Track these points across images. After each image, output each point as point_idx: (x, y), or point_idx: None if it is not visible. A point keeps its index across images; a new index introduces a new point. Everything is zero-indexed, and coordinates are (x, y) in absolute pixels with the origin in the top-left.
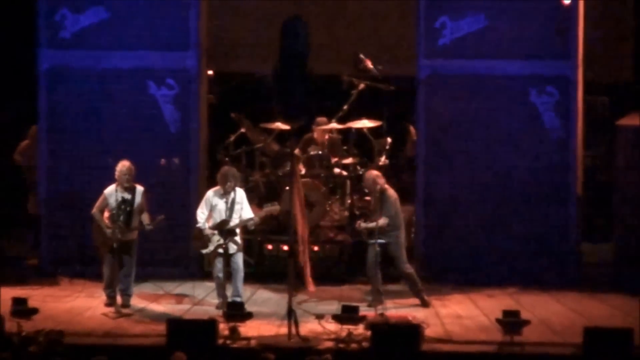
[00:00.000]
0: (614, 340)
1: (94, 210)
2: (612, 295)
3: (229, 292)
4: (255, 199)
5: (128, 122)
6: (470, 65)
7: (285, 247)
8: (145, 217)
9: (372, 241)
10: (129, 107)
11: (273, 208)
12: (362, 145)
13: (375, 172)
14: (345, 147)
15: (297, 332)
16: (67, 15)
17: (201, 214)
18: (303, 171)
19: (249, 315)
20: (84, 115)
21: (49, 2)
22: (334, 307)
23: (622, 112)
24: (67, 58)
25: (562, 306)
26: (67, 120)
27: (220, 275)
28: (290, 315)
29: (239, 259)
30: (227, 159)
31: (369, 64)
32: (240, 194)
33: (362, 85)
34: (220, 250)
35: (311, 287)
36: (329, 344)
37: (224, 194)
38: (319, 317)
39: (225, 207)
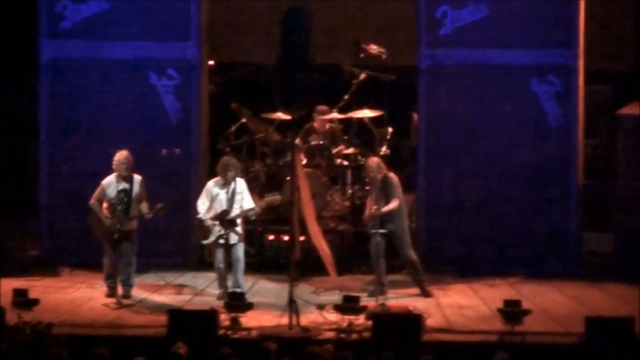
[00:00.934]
0: (615, 329)
1: (92, 201)
2: (613, 284)
3: (229, 282)
4: (257, 189)
5: (129, 112)
6: (471, 54)
7: (286, 238)
8: (144, 206)
9: (374, 231)
10: (130, 97)
11: (274, 198)
12: (363, 135)
13: (377, 159)
14: (346, 137)
15: (298, 322)
16: (68, 6)
17: (202, 204)
18: (304, 161)
19: (249, 306)
20: (84, 106)
21: None
22: (335, 297)
23: (623, 101)
24: (68, 48)
25: (563, 295)
26: (67, 110)
27: (221, 265)
28: (291, 305)
29: (240, 250)
30: (227, 149)
31: (373, 48)
32: (240, 184)
33: (363, 75)
34: (221, 241)
35: (333, 274)
36: (330, 334)
37: (225, 184)
38: (320, 307)
39: (226, 197)
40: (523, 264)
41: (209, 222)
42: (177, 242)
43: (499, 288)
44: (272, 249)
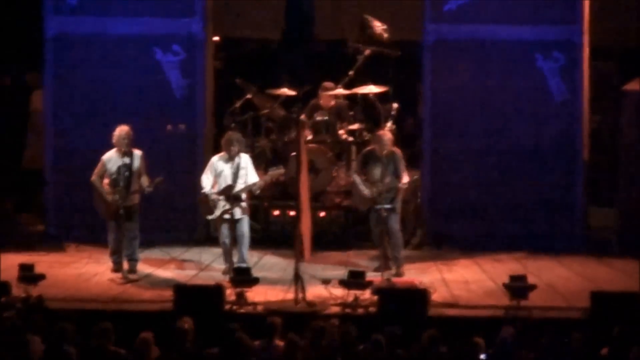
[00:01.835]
0: (620, 304)
1: (93, 177)
2: (618, 260)
3: (235, 257)
4: (262, 165)
5: (134, 88)
6: (476, 30)
7: (292, 213)
8: (145, 180)
9: (380, 206)
10: (135, 73)
11: (278, 172)
12: (368, 111)
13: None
14: (351, 113)
15: (304, 297)
16: None
17: (206, 179)
18: (309, 137)
19: (255, 281)
20: (89, 82)
21: None
22: (341, 272)
23: (628, 77)
24: (72, 25)
25: (568, 270)
26: (72, 87)
27: (227, 240)
28: (297, 280)
29: (245, 225)
30: (233, 124)
31: (377, 26)
32: (245, 159)
33: (367, 51)
34: (226, 216)
35: (307, 256)
36: (336, 309)
37: (229, 159)
38: (326, 282)
39: (231, 172)
40: (528, 239)
41: (214, 197)
42: (182, 217)
43: (505, 263)
44: (278, 224)
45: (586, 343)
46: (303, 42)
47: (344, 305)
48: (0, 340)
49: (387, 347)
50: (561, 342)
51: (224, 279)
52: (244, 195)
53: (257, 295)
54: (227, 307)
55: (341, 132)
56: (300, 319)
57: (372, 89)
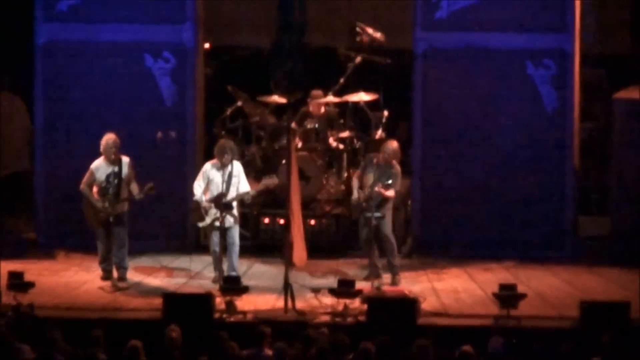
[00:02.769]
0: (610, 313)
1: (82, 186)
2: (609, 269)
3: (225, 265)
4: (252, 173)
5: (124, 95)
6: (467, 38)
7: (282, 221)
8: (134, 187)
9: (370, 214)
10: (125, 80)
11: (271, 181)
12: (358, 119)
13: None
14: (342, 121)
15: (294, 305)
16: None
17: (198, 186)
18: (299, 144)
19: (245, 289)
20: (80, 88)
21: None
22: (331, 280)
23: (619, 85)
24: (63, 31)
25: (558, 280)
26: (63, 93)
27: (217, 249)
28: (287, 288)
29: (235, 233)
30: (223, 132)
31: (370, 32)
32: (237, 167)
33: (358, 59)
34: (217, 224)
35: (297, 262)
36: (325, 318)
37: (221, 167)
38: (315, 291)
39: (222, 180)
40: (519, 248)
41: (205, 204)
42: (173, 224)
43: (495, 272)
44: (268, 232)
45: (576, 352)
46: (294, 49)
47: (333, 314)
48: None
49: (376, 356)
50: (551, 352)
51: (214, 287)
52: (235, 204)
53: (247, 303)
54: (217, 315)
55: (331, 139)
56: (289, 328)
57: (362, 96)
